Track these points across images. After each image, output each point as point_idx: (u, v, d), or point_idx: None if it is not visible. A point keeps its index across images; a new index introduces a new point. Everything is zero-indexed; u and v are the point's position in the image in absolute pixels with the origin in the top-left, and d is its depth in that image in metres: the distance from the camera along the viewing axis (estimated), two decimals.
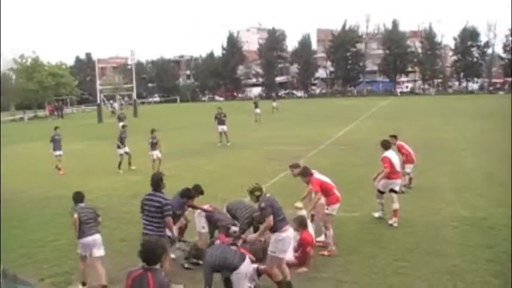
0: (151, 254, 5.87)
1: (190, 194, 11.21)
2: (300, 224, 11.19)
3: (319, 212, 11.89)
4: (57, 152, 24.68)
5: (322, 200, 11.71)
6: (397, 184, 14.07)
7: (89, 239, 10.19)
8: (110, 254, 11.90)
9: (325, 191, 11.68)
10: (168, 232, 9.98)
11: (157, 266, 5.90)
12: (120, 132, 25.12)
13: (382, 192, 13.99)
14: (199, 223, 11.57)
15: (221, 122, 31.78)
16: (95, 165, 24.69)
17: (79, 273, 10.48)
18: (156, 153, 22.93)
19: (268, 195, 9.71)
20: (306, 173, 11.90)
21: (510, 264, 10.05)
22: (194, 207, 11.59)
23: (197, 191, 11.70)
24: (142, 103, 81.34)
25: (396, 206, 13.43)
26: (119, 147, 23.95)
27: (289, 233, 9.50)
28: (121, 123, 34.52)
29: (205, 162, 24.86)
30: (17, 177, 23.28)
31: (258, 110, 48.31)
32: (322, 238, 12.01)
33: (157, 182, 10.03)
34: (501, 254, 10.87)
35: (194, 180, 12.96)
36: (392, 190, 13.79)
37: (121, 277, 10.50)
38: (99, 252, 10.29)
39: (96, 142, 24.97)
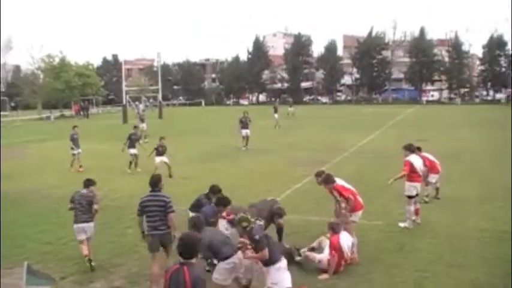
0: (187, 248, 5.98)
1: (225, 202, 11.12)
2: (329, 227, 11.18)
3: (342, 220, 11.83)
4: (76, 151, 25.00)
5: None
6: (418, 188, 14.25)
7: (79, 225, 11.38)
8: (134, 256, 12.03)
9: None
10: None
11: (194, 261, 5.98)
12: (130, 133, 25.24)
13: (411, 197, 13.90)
14: (220, 225, 11.58)
15: (245, 126, 31.99)
16: (118, 166, 24.83)
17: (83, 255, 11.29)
18: (162, 159, 22.84)
19: (259, 223, 9.63)
20: (328, 181, 11.84)
21: None
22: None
23: (215, 191, 11.69)
24: (167, 105, 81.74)
25: (417, 205, 14.07)
26: (129, 147, 24.24)
27: (285, 264, 9.45)
28: (142, 125, 36.82)
29: (228, 166, 24.90)
30: (48, 175, 23.63)
31: (276, 115, 48.37)
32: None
33: (155, 182, 10.43)
34: None
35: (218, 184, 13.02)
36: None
37: (144, 278, 10.61)
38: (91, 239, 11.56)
39: (120, 142, 25.06)
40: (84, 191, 11.79)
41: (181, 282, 5.84)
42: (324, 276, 10.53)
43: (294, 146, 32.24)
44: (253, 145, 31.34)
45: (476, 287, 9.91)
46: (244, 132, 31.95)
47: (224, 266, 9.02)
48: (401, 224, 13.93)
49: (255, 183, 20.36)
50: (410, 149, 14.48)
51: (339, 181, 11.90)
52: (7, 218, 15.43)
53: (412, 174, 13.85)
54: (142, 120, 39.67)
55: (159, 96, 76.48)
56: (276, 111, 48.59)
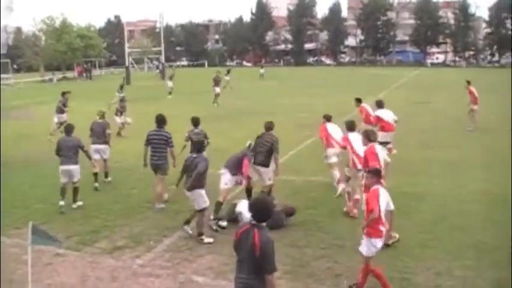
0: (261, 213, 5.96)
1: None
2: (364, 135, 11.04)
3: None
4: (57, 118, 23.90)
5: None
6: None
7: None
8: (137, 216, 12.11)
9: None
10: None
11: (264, 224, 5.98)
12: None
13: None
14: (223, 178, 11.75)
15: (217, 84, 36.15)
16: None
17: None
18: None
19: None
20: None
21: None
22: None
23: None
24: (170, 66, 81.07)
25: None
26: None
27: None
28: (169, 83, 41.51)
29: (232, 127, 24.80)
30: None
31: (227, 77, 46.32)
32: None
33: (161, 120, 12.93)
34: None
35: (222, 146, 13.08)
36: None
37: (147, 238, 10.70)
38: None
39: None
40: (100, 120, 15.54)
41: (250, 244, 5.86)
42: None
43: (298, 107, 32.17)
44: (258, 107, 31.26)
45: (479, 249, 9.94)
46: (216, 89, 35.51)
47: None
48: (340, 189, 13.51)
49: None
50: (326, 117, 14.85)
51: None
52: (14, 180, 15.51)
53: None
54: (170, 78, 42.88)
55: (162, 58, 75.96)
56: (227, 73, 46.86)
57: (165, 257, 9.85)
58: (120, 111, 23.99)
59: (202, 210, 10.59)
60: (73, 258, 9.85)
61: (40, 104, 38.59)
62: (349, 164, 12.12)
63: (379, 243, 8.17)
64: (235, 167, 11.81)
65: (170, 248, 10.30)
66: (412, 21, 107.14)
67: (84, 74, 78.98)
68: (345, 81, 57.81)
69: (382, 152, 10.85)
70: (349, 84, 50.86)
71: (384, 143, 14.43)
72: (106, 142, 15.31)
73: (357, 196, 11.68)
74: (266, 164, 12.38)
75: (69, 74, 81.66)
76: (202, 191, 10.56)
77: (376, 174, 8.63)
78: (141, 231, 11.20)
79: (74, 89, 25.65)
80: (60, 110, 23.77)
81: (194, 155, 10.90)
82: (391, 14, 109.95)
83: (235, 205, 11.39)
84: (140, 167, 13.29)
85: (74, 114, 24.04)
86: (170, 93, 41.77)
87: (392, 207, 8.40)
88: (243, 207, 10.76)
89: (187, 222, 10.79)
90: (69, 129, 13.09)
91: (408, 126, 22.55)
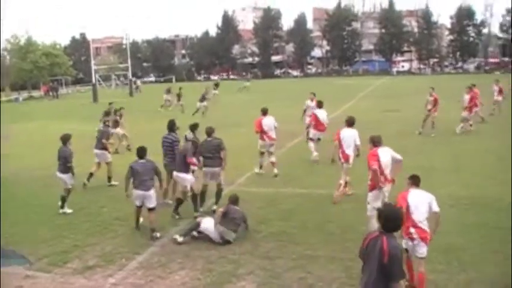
0: (392, 223, 6.09)
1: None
2: (370, 140, 11.39)
3: None
4: None
5: None
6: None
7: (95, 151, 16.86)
8: (108, 234, 12.01)
9: None
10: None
11: (394, 233, 6.11)
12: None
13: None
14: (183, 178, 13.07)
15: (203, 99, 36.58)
16: (90, 145, 24.47)
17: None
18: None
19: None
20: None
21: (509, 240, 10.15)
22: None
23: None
24: (134, 83, 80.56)
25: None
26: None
27: None
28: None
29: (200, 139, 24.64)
30: (23, 157, 23.25)
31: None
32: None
33: (170, 126, 14.58)
34: (494, 231, 10.98)
35: None
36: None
37: (119, 256, 10.59)
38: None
39: (92, 121, 24.71)
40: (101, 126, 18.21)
41: (378, 250, 5.94)
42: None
43: None
44: (227, 119, 31.21)
45: (451, 250, 10.07)
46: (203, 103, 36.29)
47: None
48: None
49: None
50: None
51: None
52: None
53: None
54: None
55: (129, 74, 75.58)
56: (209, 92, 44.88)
57: (137, 275, 9.76)
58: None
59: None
60: (44, 280, 9.69)
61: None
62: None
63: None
64: (183, 164, 12.94)
65: (142, 265, 10.21)
66: (376, 31, 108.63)
67: (51, 93, 77.88)
68: (312, 92, 57.96)
69: (386, 154, 11.04)
70: (317, 95, 50.98)
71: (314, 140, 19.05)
72: (103, 148, 17.30)
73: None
74: (216, 165, 13.43)
75: (35, 93, 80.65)
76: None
77: (411, 179, 9.18)
78: (112, 249, 11.08)
79: (41, 109, 25.32)
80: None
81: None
82: (356, 24, 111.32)
83: (199, 223, 11.37)
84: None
85: (37, 135, 23.71)
86: (162, 106, 42.59)
87: (435, 209, 8.67)
88: (208, 223, 11.22)
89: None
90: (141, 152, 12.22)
91: (378, 133, 22.67)
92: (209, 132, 13.66)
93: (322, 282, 9.02)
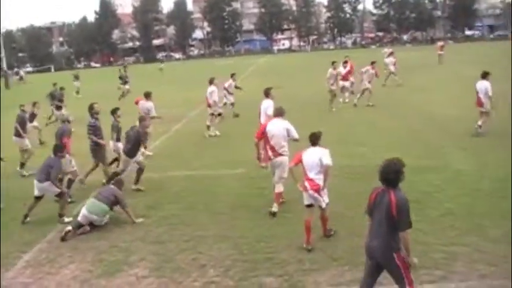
0: (391, 175, 6.36)
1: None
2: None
3: None
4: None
5: None
6: None
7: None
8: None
9: None
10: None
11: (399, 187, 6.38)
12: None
13: None
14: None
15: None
16: None
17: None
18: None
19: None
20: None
21: None
22: None
23: None
24: (17, 73, 76.65)
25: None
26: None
27: None
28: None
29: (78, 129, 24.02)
30: None
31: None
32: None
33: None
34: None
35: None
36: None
37: (13, 252, 10.12)
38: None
39: None
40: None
41: (386, 202, 6.28)
42: None
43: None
44: (108, 105, 30.45)
45: (333, 219, 10.33)
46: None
47: None
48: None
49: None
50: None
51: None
52: None
53: None
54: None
55: (4, 65, 71.80)
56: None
57: (26, 274, 9.32)
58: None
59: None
60: None
61: None
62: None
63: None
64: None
65: (30, 263, 9.75)
66: (256, 10, 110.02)
67: None
68: (195, 74, 57.84)
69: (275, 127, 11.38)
70: (200, 77, 50.95)
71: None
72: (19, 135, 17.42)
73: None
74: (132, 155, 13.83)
75: None
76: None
77: (309, 138, 10.14)
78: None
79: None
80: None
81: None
82: (236, 4, 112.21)
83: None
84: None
85: None
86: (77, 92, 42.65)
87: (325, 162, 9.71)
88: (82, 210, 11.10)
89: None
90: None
91: None
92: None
93: (214, 261, 9.11)
